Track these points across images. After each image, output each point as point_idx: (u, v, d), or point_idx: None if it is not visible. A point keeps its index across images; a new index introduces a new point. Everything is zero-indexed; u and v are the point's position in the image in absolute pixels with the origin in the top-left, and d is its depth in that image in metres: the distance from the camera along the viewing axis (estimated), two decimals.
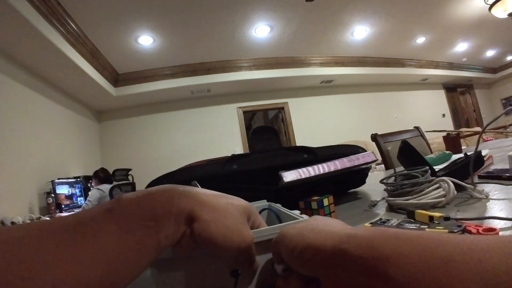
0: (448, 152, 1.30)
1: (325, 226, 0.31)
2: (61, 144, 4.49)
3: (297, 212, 0.52)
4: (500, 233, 0.45)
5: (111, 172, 4.53)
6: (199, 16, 4.11)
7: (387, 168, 2.12)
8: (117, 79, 5.31)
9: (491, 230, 0.45)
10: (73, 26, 3.74)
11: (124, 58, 4.86)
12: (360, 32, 5.49)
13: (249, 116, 7.61)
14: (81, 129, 5.27)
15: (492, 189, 0.73)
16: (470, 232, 0.47)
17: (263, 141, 0.93)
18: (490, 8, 4.75)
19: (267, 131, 0.96)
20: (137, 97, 5.63)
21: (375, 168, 4.82)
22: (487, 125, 0.74)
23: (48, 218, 3.27)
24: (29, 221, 3.03)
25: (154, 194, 0.31)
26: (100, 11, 3.65)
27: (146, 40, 4.47)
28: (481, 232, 0.45)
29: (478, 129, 7.53)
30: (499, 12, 4.67)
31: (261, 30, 4.78)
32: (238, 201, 0.38)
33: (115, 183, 4.35)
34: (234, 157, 0.89)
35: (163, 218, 0.29)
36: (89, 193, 4.04)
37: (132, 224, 0.28)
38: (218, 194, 0.37)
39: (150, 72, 5.39)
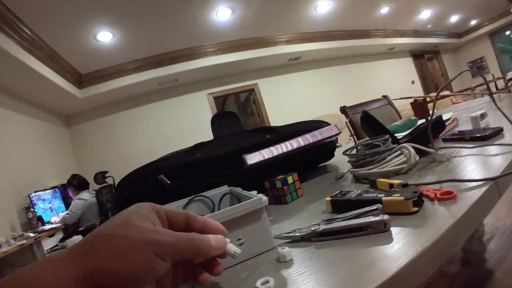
0: (414, 118, 1.31)
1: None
2: (32, 155, 4.32)
3: (254, 192, 0.52)
4: (458, 195, 0.45)
5: (92, 176, 4.42)
6: (156, 5, 3.98)
7: (359, 139, 2.13)
8: (81, 80, 5.11)
9: (449, 193, 0.45)
10: (27, 31, 3.54)
11: (85, 57, 4.67)
12: (323, 6, 5.46)
13: (221, 101, 7.54)
14: (51, 137, 5.07)
15: (455, 150, 0.73)
16: (428, 197, 0.46)
17: (224, 127, 0.91)
18: None
19: (227, 116, 0.93)
20: (104, 96, 5.45)
21: (350, 139, 4.88)
22: (439, 91, 0.74)
23: (31, 234, 3.18)
24: (12, 240, 2.95)
25: (23, 272, 0.25)
26: (53, 12, 3.47)
27: (105, 36, 4.30)
28: (438, 196, 0.45)
29: (447, 93, 7.72)
30: None
31: (223, 13, 4.68)
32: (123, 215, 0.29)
33: (97, 187, 4.27)
34: (197, 146, 0.87)
35: None
36: (71, 203, 3.93)
37: None
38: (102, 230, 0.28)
39: (114, 69, 5.22)
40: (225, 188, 0.72)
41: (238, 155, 0.78)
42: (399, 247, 0.35)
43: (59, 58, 4.33)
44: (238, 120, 0.93)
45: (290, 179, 0.72)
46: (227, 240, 0.34)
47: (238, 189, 0.64)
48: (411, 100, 2.12)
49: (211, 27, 5.01)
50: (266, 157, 0.77)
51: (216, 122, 0.93)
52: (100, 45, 4.47)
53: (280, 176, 0.73)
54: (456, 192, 0.45)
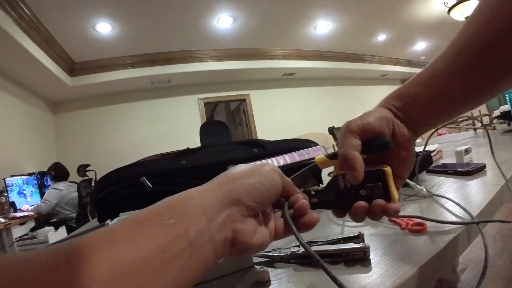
0: None
1: None
2: (12, 137, 4.19)
3: None
4: (428, 230, 0.47)
5: (70, 166, 4.34)
6: (160, 4, 3.97)
7: None
8: (73, 68, 5.05)
9: (420, 224, 0.48)
10: (26, 11, 3.49)
11: (81, 46, 4.62)
12: (323, 27, 5.54)
13: (210, 108, 7.53)
14: (34, 121, 4.96)
15: (437, 183, 0.75)
16: (400, 225, 0.50)
17: (213, 136, 0.91)
18: (449, 11, 4.91)
19: (216, 126, 0.93)
20: (94, 88, 5.38)
21: None
22: (434, 131, 0.76)
23: (2, 220, 3.08)
24: None
25: (170, 199, 0.27)
26: None
27: (104, 28, 4.27)
28: (409, 227, 0.48)
29: None
30: (458, 15, 4.83)
31: (224, 21, 4.71)
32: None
33: (79, 179, 4.20)
34: (183, 152, 0.86)
35: (185, 212, 0.25)
36: (46, 192, 3.84)
37: (149, 227, 0.23)
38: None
39: (108, 61, 5.17)
40: None
41: (224, 166, 0.77)
42: (377, 277, 0.35)
43: (54, 43, 4.27)
44: (227, 130, 0.93)
45: None
46: None
47: None
48: None
49: (211, 33, 5.03)
50: None
51: (205, 130, 0.92)
52: (97, 36, 4.43)
53: None
54: (426, 224, 0.48)
